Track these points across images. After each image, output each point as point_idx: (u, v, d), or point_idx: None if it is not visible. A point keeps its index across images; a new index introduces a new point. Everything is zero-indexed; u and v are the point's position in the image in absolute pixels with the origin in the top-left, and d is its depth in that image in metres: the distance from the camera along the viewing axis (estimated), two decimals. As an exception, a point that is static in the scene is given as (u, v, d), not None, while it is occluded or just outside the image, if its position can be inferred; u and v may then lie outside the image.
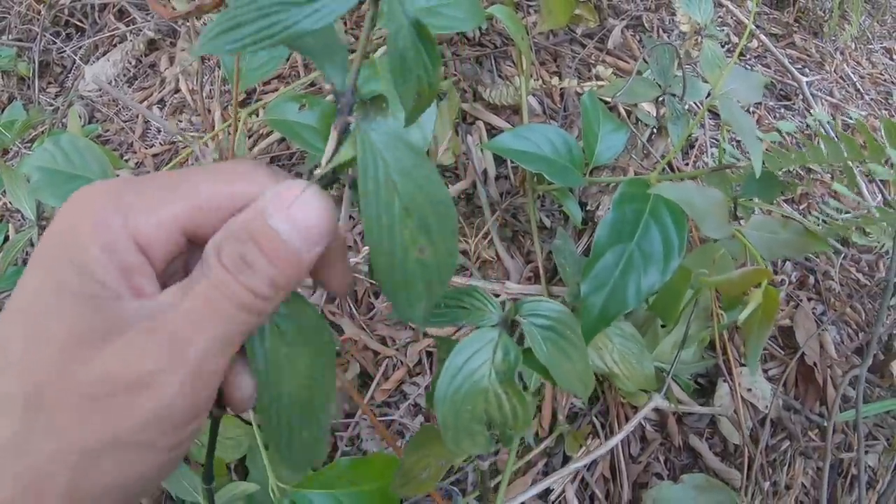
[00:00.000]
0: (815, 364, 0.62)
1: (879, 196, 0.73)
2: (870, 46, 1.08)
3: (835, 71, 0.98)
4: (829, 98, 0.93)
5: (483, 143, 0.50)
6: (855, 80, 0.99)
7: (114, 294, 0.17)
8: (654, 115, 0.66)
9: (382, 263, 0.20)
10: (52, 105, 0.92)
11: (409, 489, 0.40)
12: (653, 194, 0.45)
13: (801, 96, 0.89)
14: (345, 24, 0.81)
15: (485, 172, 0.64)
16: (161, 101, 0.82)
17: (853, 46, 1.05)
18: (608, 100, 0.68)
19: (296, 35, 0.18)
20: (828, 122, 0.86)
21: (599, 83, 0.67)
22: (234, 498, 0.51)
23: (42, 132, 0.89)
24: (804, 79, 0.89)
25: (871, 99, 0.99)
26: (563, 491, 0.54)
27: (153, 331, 0.17)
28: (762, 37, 0.91)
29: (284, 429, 0.21)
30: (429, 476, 0.40)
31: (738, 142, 0.75)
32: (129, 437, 0.16)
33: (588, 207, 0.60)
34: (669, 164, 0.65)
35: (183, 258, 0.20)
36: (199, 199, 0.18)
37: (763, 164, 0.58)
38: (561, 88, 0.70)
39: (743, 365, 0.60)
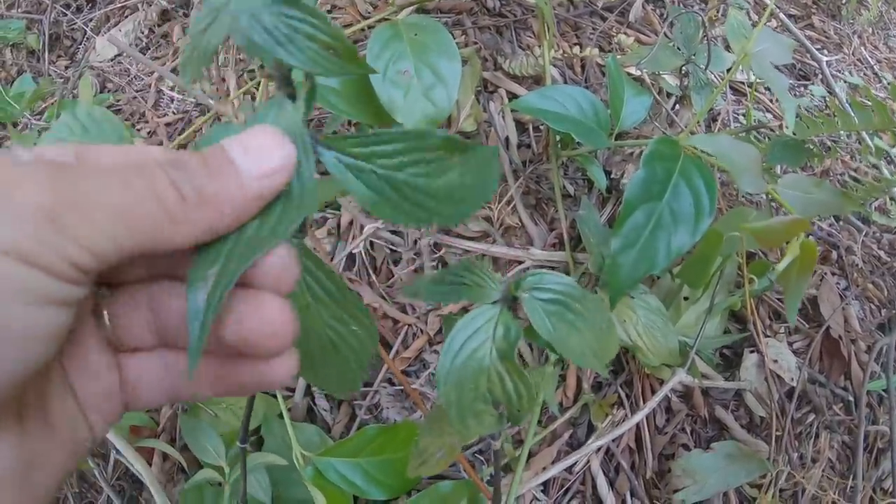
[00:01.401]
0: (839, 337, 0.60)
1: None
2: (887, 31, 1.07)
3: (853, 54, 0.97)
4: (839, 75, 0.92)
5: (508, 103, 0.48)
6: (872, 63, 0.98)
7: None
8: (678, 85, 0.64)
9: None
10: (62, 77, 0.90)
11: (426, 469, 0.39)
12: (682, 154, 0.44)
13: (820, 76, 0.88)
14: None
15: (507, 139, 0.62)
16: (174, 71, 0.80)
17: (871, 31, 1.04)
18: (631, 70, 0.66)
19: None
20: (847, 101, 0.84)
21: (622, 53, 0.65)
22: (257, 466, 0.50)
23: (52, 104, 0.86)
24: (824, 58, 0.87)
25: (888, 83, 0.97)
26: (588, 462, 0.52)
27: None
28: (781, 16, 0.89)
29: (316, 365, 0.22)
30: (444, 456, 0.39)
31: (767, 111, 0.73)
32: None
33: (612, 175, 0.58)
34: (693, 134, 0.63)
35: None
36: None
37: (792, 132, 0.57)
38: (582, 58, 0.68)
39: (768, 336, 0.59)
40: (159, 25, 0.86)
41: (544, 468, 0.51)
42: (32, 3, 0.96)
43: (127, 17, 0.89)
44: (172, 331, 0.18)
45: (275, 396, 0.59)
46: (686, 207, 0.42)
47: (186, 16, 0.86)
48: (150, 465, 0.61)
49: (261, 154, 0.17)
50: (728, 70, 0.67)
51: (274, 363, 0.17)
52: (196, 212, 0.16)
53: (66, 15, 0.94)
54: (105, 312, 0.18)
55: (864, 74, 0.95)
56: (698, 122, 0.61)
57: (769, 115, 0.76)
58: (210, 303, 0.16)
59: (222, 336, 0.16)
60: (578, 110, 0.50)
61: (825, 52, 0.95)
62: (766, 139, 0.54)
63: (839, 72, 0.93)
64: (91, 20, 0.93)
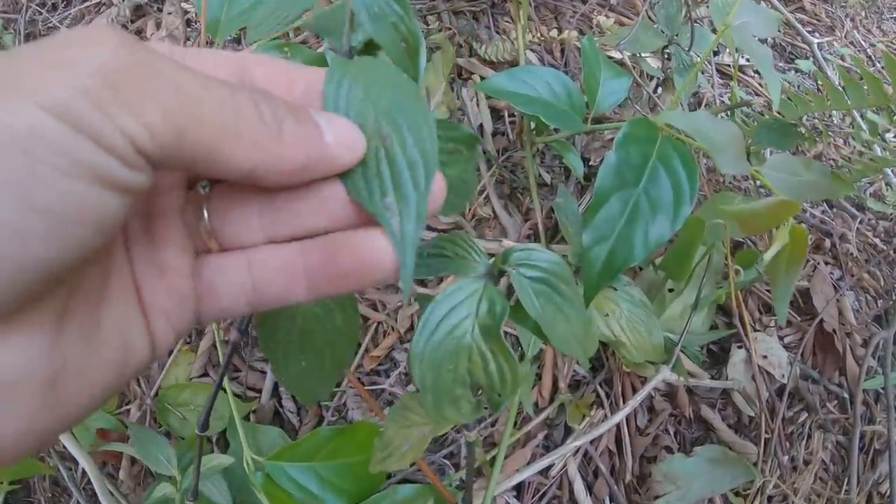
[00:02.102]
0: (834, 331, 0.56)
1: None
2: (880, 14, 1.01)
3: (845, 37, 0.92)
4: (840, 62, 0.87)
5: (475, 84, 0.44)
6: (866, 46, 0.93)
7: None
8: (660, 67, 0.59)
9: None
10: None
11: (391, 463, 0.35)
12: (660, 136, 0.39)
13: (811, 59, 0.82)
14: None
15: (481, 127, 0.58)
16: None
17: (863, 14, 0.98)
18: (613, 54, 0.62)
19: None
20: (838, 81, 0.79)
21: (601, 35, 0.61)
22: (211, 470, 0.46)
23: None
24: (815, 40, 0.82)
25: (882, 67, 0.92)
26: (565, 465, 0.48)
27: None
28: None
29: (291, 358, 0.21)
30: (411, 448, 0.35)
31: (754, 92, 0.68)
32: None
33: (591, 163, 0.54)
34: (678, 117, 0.58)
35: None
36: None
37: (780, 113, 0.52)
38: (561, 41, 0.64)
39: (758, 330, 0.54)
40: (133, 21, 0.82)
41: (517, 471, 0.47)
42: (8, 3, 0.92)
43: (101, 13, 0.85)
44: (286, 226, 0.16)
45: (240, 397, 0.56)
46: (665, 194, 0.38)
47: (160, 10, 0.83)
48: (119, 468, 0.57)
49: (342, 130, 0.16)
50: (712, 50, 0.62)
51: (376, 247, 0.16)
52: (269, 139, 0.14)
53: (41, 13, 0.90)
54: (205, 207, 0.16)
55: (858, 58, 0.90)
56: (680, 103, 0.57)
57: (760, 100, 0.72)
58: (408, 233, 0.15)
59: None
60: (550, 93, 0.46)
61: (816, 34, 0.90)
62: (755, 122, 0.50)
63: (831, 55, 0.87)
64: (67, 17, 0.89)
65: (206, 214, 0.16)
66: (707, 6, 0.69)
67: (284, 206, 0.16)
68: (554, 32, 0.63)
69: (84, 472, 0.56)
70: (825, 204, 0.65)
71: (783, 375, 0.53)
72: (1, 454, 0.12)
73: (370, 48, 0.21)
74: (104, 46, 0.12)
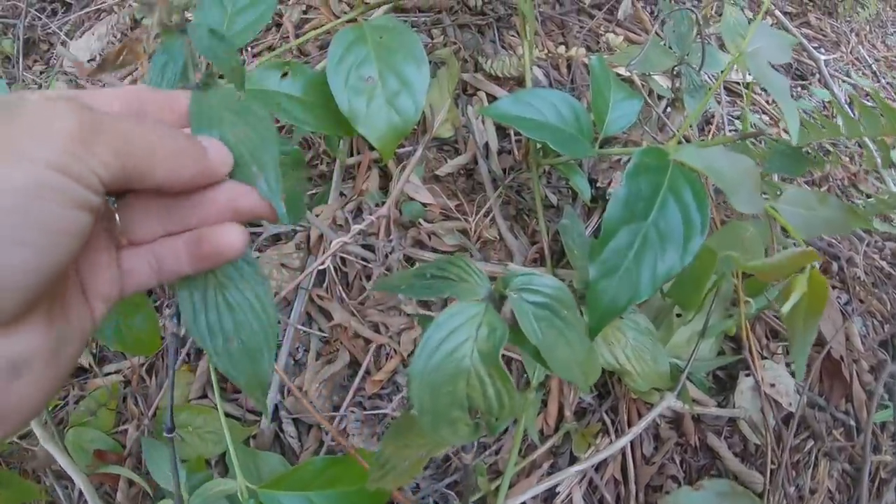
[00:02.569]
0: (841, 357, 0.54)
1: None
2: (885, 29, 0.99)
3: (850, 52, 0.90)
4: (846, 79, 0.85)
5: (480, 109, 0.42)
6: (871, 62, 0.91)
7: None
8: (669, 86, 0.57)
9: None
10: (37, 83, 0.84)
11: (388, 481, 0.33)
12: (671, 166, 0.37)
13: (817, 76, 0.81)
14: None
15: (486, 146, 0.56)
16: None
17: (868, 29, 0.97)
18: (620, 71, 0.60)
19: None
20: (847, 102, 0.78)
21: (610, 53, 0.59)
22: (214, 496, 0.44)
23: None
24: (822, 57, 0.80)
25: (888, 82, 0.90)
26: (570, 494, 0.47)
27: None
28: (777, 13, 0.83)
29: (238, 369, 0.24)
30: (409, 467, 0.33)
31: (763, 112, 0.67)
32: None
33: (598, 184, 0.52)
34: (686, 139, 0.56)
35: None
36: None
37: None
38: (568, 58, 0.62)
39: (766, 358, 0.52)
40: (132, 28, 0.80)
41: (523, 503, 0.45)
42: (7, 7, 0.90)
43: (102, 19, 0.83)
44: (174, 224, 0.22)
45: (240, 420, 0.54)
46: (675, 226, 0.36)
47: (161, 17, 0.80)
48: (117, 490, 0.55)
49: (217, 149, 0.22)
50: (722, 71, 0.61)
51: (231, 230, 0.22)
52: (176, 160, 0.20)
53: (40, 19, 0.88)
54: (117, 215, 0.22)
55: (863, 73, 0.88)
56: (690, 126, 0.55)
57: (765, 118, 0.70)
58: (272, 184, 0.22)
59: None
60: (557, 117, 0.44)
61: (822, 50, 0.88)
62: (762, 143, 0.48)
63: (837, 71, 0.86)
64: (66, 23, 0.87)
65: (118, 220, 0.22)
66: (718, 24, 0.68)
67: (174, 210, 0.22)
68: (561, 49, 0.61)
69: (81, 493, 0.54)
70: (832, 226, 0.63)
71: (790, 404, 0.51)
72: (24, 415, 0.18)
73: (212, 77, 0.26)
74: (68, 119, 0.17)
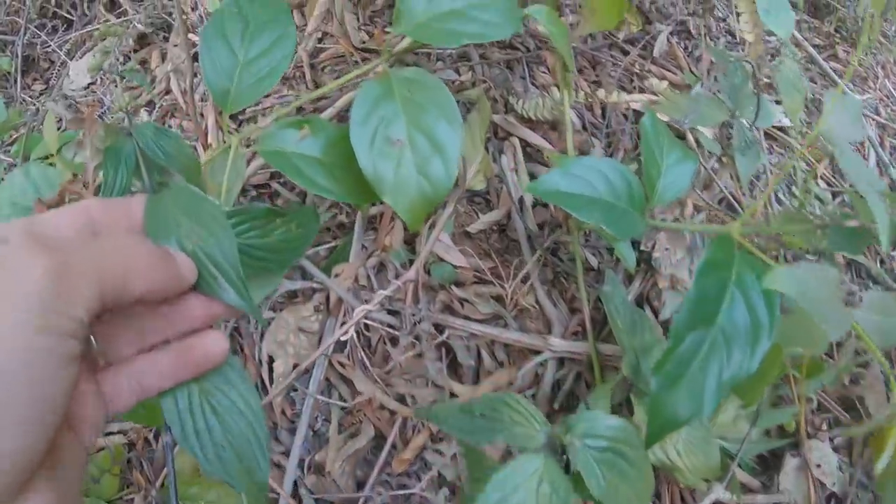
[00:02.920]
0: (889, 429, 0.51)
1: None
2: (910, 61, 0.96)
3: (879, 89, 0.86)
4: (875, 117, 0.82)
5: (526, 187, 0.38)
6: (898, 97, 0.87)
7: None
8: (715, 138, 0.53)
9: None
10: (35, 104, 0.78)
11: None
12: (736, 255, 0.34)
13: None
14: (357, 18, 0.68)
15: (521, 201, 0.52)
16: (150, 104, 0.69)
17: (893, 61, 0.93)
18: (663, 116, 0.56)
19: None
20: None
21: (651, 97, 0.55)
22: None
23: (23, 134, 0.75)
24: (858, 97, 0.77)
25: (915, 116, 0.87)
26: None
27: None
28: (808, 48, 0.79)
29: (232, 475, 0.23)
30: None
31: (825, 179, 0.63)
32: None
33: (642, 248, 0.48)
34: (737, 201, 0.52)
35: None
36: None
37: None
38: (601, 102, 0.57)
39: (812, 437, 0.49)
40: (136, 51, 0.74)
41: None
42: (6, 23, 0.84)
43: (104, 39, 0.77)
44: (152, 337, 0.23)
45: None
46: (742, 326, 0.32)
47: (166, 40, 0.75)
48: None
49: (184, 260, 0.23)
50: (776, 126, 0.56)
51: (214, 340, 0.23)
52: (148, 274, 0.21)
53: (40, 36, 0.82)
54: (92, 337, 0.22)
55: (893, 110, 0.85)
56: (741, 188, 0.51)
57: (802, 164, 0.66)
58: (243, 294, 0.23)
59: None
60: (608, 189, 0.40)
61: (850, 85, 0.85)
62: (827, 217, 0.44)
63: (865, 108, 0.82)
64: (67, 41, 0.81)
65: (94, 342, 0.22)
66: (766, 73, 0.64)
67: (150, 322, 0.22)
68: (601, 92, 0.57)
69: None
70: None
71: (833, 483, 0.48)
72: None
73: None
74: (36, 270, 0.17)
